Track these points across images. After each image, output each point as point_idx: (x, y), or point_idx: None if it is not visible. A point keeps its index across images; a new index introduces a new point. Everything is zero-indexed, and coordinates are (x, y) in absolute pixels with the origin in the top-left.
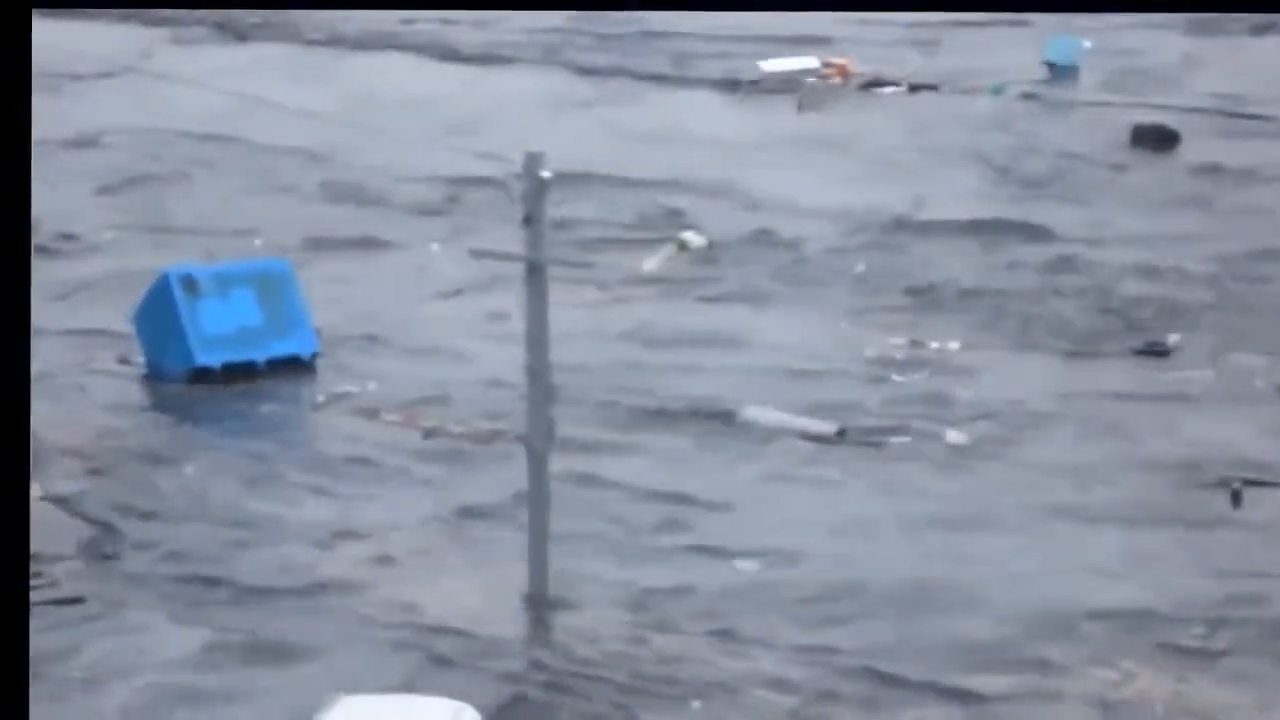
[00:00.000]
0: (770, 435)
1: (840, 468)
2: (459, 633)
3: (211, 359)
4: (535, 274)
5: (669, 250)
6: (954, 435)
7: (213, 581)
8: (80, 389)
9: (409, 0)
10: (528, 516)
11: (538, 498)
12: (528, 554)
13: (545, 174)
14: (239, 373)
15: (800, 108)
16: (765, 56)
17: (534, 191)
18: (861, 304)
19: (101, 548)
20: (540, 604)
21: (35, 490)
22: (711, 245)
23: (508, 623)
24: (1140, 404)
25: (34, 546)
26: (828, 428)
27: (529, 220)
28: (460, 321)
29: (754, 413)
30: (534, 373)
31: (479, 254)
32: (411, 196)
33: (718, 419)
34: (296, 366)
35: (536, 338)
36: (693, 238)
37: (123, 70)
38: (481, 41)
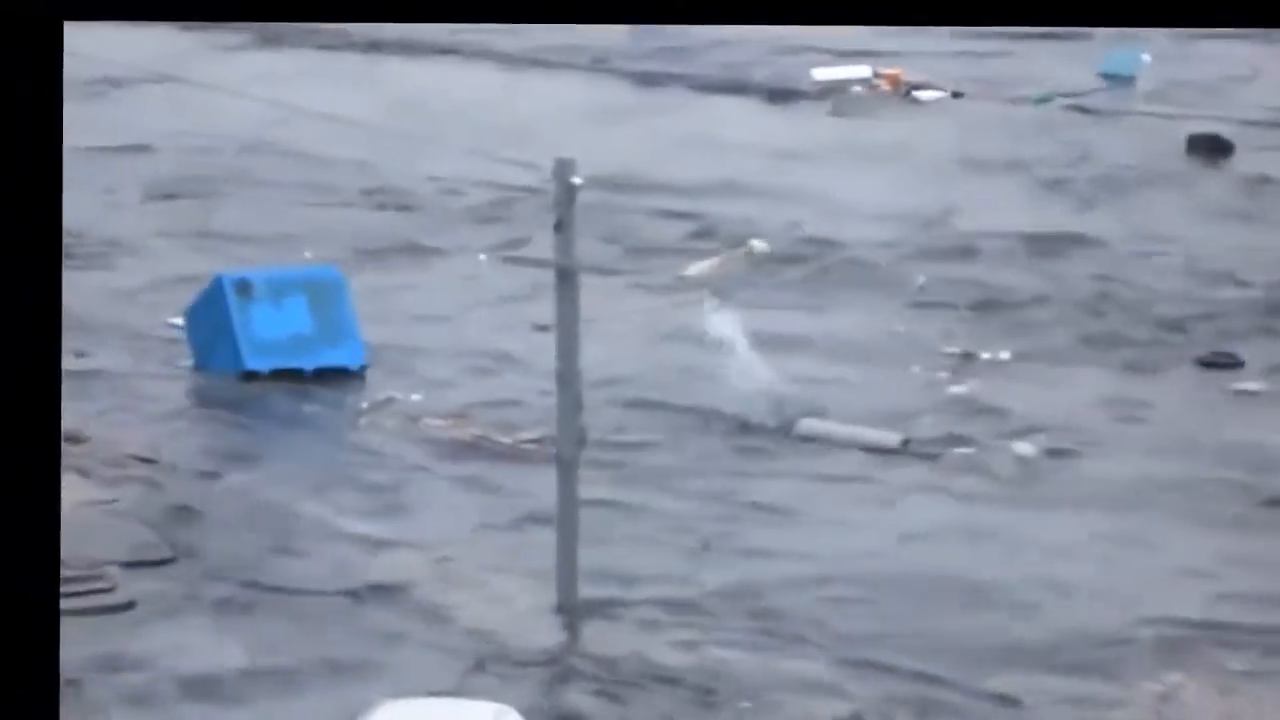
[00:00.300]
0: (828, 444)
1: (900, 477)
2: (504, 638)
3: (261, 364)
4: (566, 280)
5: (728, 255)
6: (1022, 446)
7: (260, 586)
8: (132, 392)
9: (453, 13)
10: (557, 524)
11: (566, 505)
12: (557, 562)
13: (576, 180)
14: (286, 379)
15: (837, 112)
16: (817, 65)
17: (565, 198)
18: (913, 313)
19: (152, 552)
20: (571, 612)
21: (87, 494)
22: (769, 253)
23: (555, 630)
24: (1202, 415)
25: (87, 551)
26: (889, 438)
27: (560, 226)
28: (507, 330)
29: (811, 423)
30: (564, 379)
31: (513, 261)
32: (458, 204)
33: (774, 427)
34: (345, 375)
35: (567, 344)
36: (757, 244)
37: (166, 77)
38: (528, 48)
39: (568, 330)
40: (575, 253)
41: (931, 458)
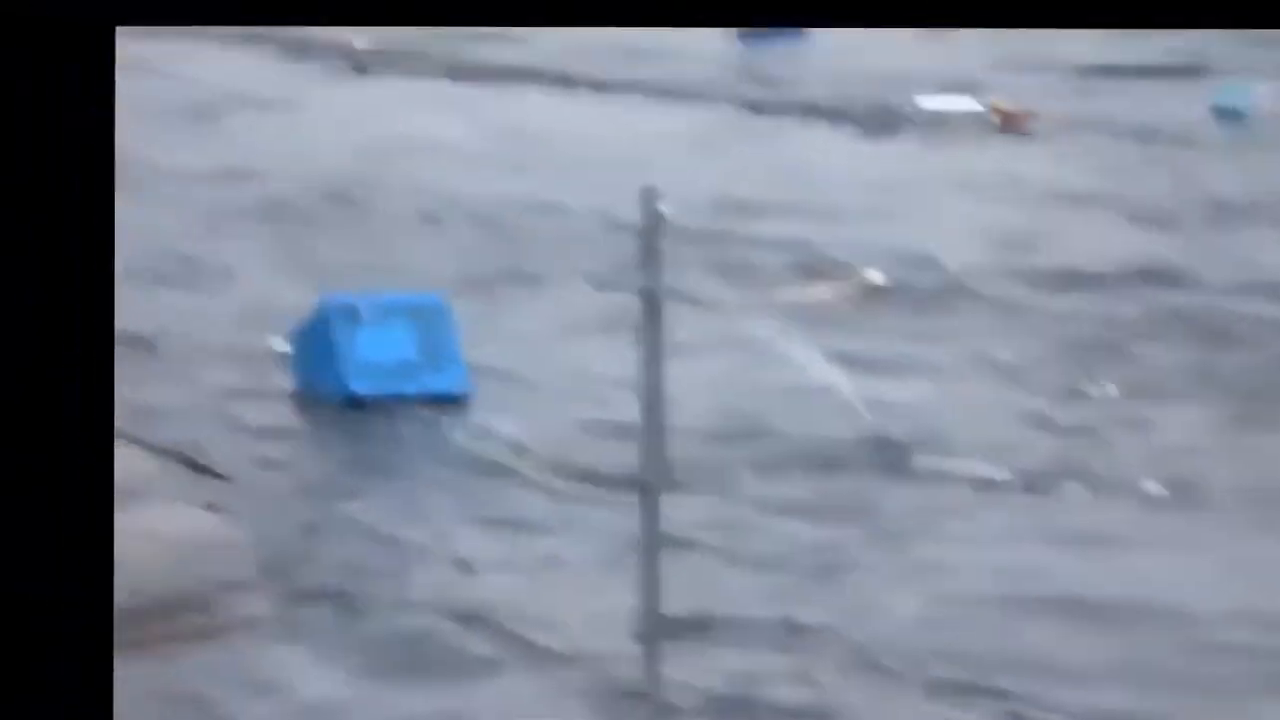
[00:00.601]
0: (932, 476)
1: (1007, 511)
2: (600, 667)
3: (365, 388)
4: (651, 308)
5: (836, 284)
6: (1150, 485)
7: (361, 610)
8: (236, 415)
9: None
10: (641, 553)
11: (649, 537)
12: (642, 591)
13: (662, 208)
14: (392, 405)
15: (940, 141)
16: (922, 93)
17: (651, 226)
18: (1018, 345)
19: (256, 575)
20: (658, 641)
21: (192, 517)
22: (877, 285)
23: (648, 659)
24: None
25: (192, 574)
26: (995, 471)
27: (647, 254)
28: (609, 357)
29: (916, 454)
30: (648, 407)
31: (613, 288)
32: (560, 231)
33: (882, 458)
34: (449, 402)
35: (652, 373)
36: (873, 275)
37: (270, 103)
38: (630, 79)
39: (653, 357)
40: (662, 280)
41: (1040, 491)
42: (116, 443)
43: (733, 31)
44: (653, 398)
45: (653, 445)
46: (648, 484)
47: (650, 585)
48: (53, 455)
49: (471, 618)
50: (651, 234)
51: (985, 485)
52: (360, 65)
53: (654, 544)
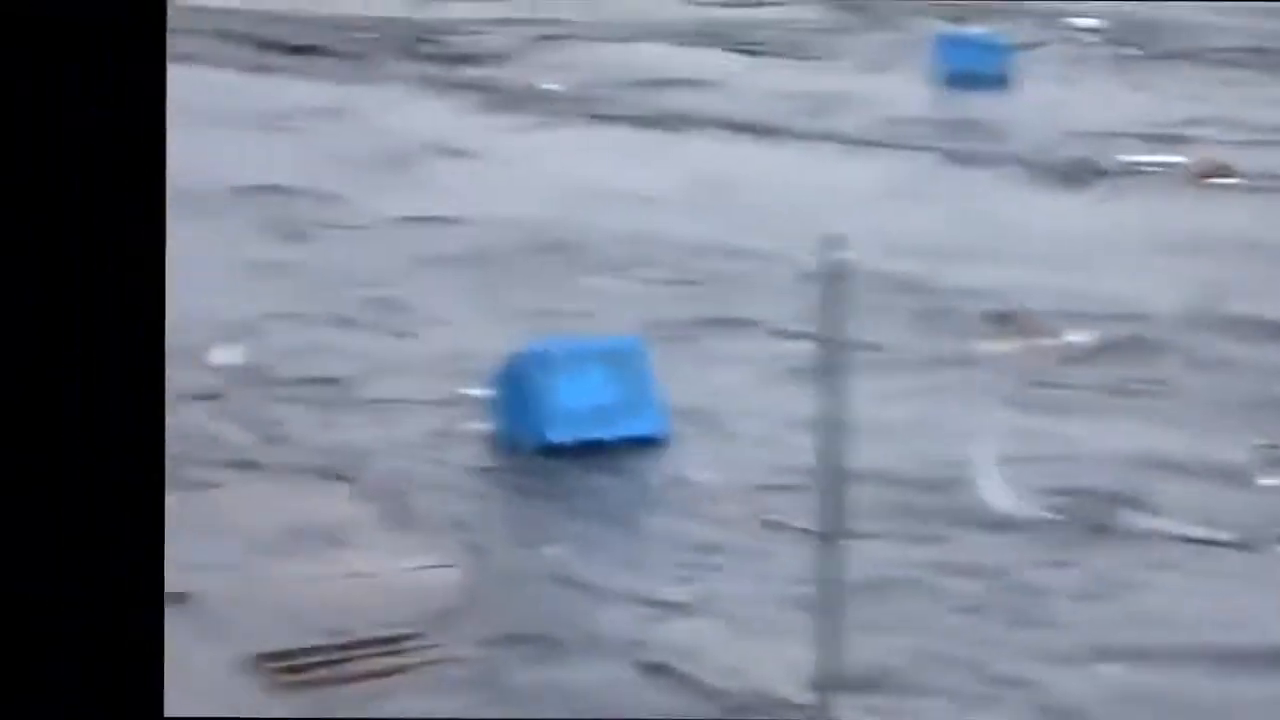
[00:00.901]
0: (1147, 535)
1: (1219, 571)
2: (782, 712)
3: (564, 435)
4: (831, 357)
5: (1032, 343)
6: None
7: (556, 652)
8: (436, 459)
9: None
10: (818, 604)
11: (828, 587)
12: (818, 644)
13: (848, 255)
14: (589, 450)
15: (1140, 197)
16: (1124, 147)
17: (835, 273)
18: (1218, 405)
19: (454, 616)
20: (835, 692)
21: (395, 559)
22: (1074, 339)
23: (829, 708)
24: None
25: (390, 614)
26: (1205, 531)
27: (829, 301)
28: (802, 405)
29: (1121, 513)
30: (827, 457)
31: (805, 338)
32: (756, 278)
33: (1089, 518)
34: (645, 446)
35: (831, 422)
36: (1072, 338)
37: (463, 151)
38: (826, 127)
39: (833, 407)
40: (844, 330)
41: (1251, 549)
42: (325, 482)
43: (938, 78)
44: (833, 446)
45: (832, 493)
46: (828, 532)
47: (829, 634)
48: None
49: (658, 663)
50: (835, 281)
51: (1190, 541)
52: (551, 112)
53: (835, 592)
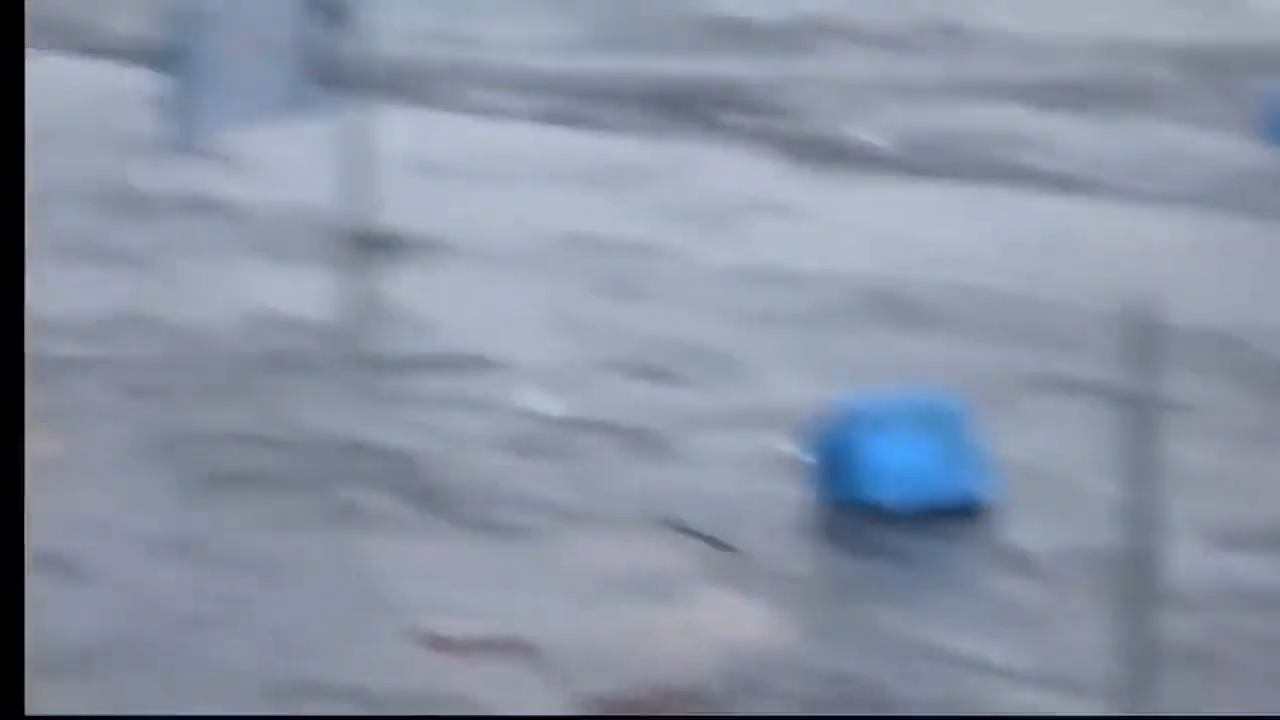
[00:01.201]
0: None
1: None
2: None
3: (885, 495)
4: (1143, 417)
5: None
6: None
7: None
8: (762, 517)
9: None
10: (1131, 678)
11: (1142, 659)
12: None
13: (1163, 317)
14: (914, 510)
15: None
16: None
17: (1148, 334)
18: None
19: (774, 676)
20: None
21: (727, 613)
22: None
23: None
24: None
25: (712, 670)
26: None
27: (1140, 360)
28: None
29: None
30: (1135, 520)
31: (1104, 394)
32: (1074, 337)
33: None
34: (971, 510)
35: (1139, 477)
36: None
37: (785, 207)
38: (1152, 188)
39: (1141, 462)
40: (1157, 393)
41: None
42: (648, 534)
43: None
44: (1144, 511)
45: (1143, 561)
46: (1139, 600)
47: (1139, 700)
48: None
49: None
50: (1147, 341)
51: None
52: (877, 167)
53: (1146, 667)
